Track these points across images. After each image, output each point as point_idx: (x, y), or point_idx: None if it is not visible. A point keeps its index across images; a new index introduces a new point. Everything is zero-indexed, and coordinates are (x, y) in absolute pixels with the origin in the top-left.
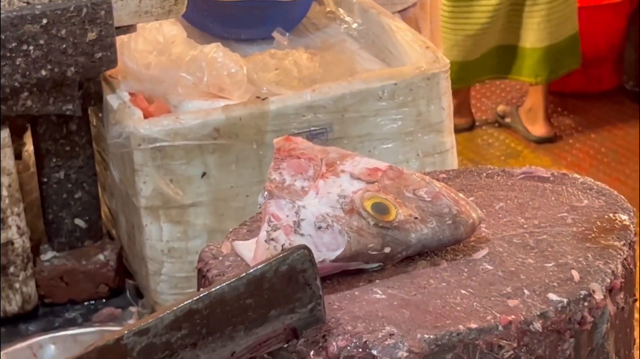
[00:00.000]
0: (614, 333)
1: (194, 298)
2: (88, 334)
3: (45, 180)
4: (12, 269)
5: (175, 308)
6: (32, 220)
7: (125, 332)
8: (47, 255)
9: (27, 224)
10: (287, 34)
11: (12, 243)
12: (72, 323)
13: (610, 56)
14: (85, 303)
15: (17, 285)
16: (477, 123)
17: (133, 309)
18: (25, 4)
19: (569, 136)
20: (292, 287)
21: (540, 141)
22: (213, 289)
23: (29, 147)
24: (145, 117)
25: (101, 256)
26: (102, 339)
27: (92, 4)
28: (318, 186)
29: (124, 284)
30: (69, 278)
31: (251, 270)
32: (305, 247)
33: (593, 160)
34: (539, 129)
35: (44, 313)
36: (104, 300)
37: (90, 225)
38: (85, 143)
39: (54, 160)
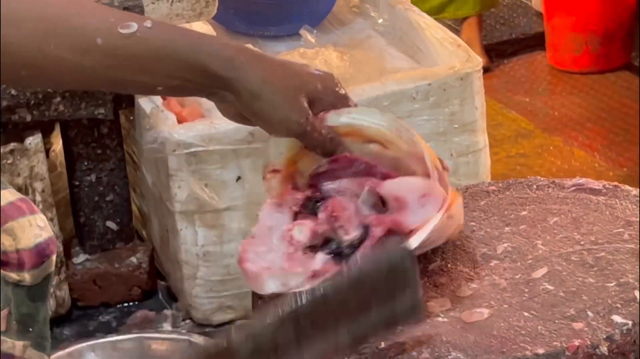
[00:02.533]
0: None
1: (298, 299)
2: (127, 341)
3: (77, 183)
4: None
5: (280, 310)
6: (60, 219)
7: (234, 335)
8: (80, 258)
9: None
10: (314, 31)
11: None
12: (106, 326)
13: (619, 34)
14: (119, 306)
15: (51, 289)
16: None
17: (167, 312)
18: None
19: (579, 116)
20: (393, 285)
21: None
22: (317, 288)
23: (56, 147)
24: (179, 121)
25: (133, 259)
26: (209, 345)
27: (124, 8)
28: None
29: (156, 286)
30: (102, 281)
31: (354, 269)
32: (406, 247)
33: (604, 139)
34: None
35: (77, 316)
36: (136, 303)
37: (122, 227)
38: (117, 146)
39: (85, 163)
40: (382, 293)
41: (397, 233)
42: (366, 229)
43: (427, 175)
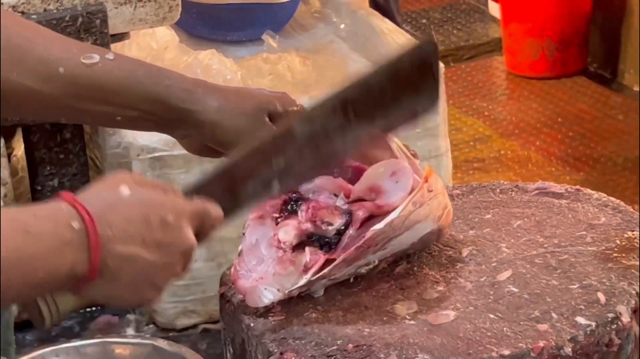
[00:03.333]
0: (638, 352)
1: (347, 87)
2: (91, 346)
3: (39, 188)
4: None
5: (332, 97)
6: None
7: (293, 121)
8: None
9: None
10: (277, 36)
11: None
12: (69, 332)
13: (575, 39)
14: (81, 311)
15: None
16: None
17: (131, 317)
18: (20, 14)
19: (536, 121)
20: (421, 76)
21: None
22: (361, 78)
23: (17, 152)
24: None
25: None
26: (274, 130)
27: (87, 13)
28: None
29: None
30: None
31: (391, 60)
32: (432, 40)
33: (561, 144)
34: None
35: None
36: (99, 307)
37: None
38: (79, 151)
39: (48, 168)
40: (411, 82)
41: (380, 214)
42: (350, 215)
43: (393, 156)
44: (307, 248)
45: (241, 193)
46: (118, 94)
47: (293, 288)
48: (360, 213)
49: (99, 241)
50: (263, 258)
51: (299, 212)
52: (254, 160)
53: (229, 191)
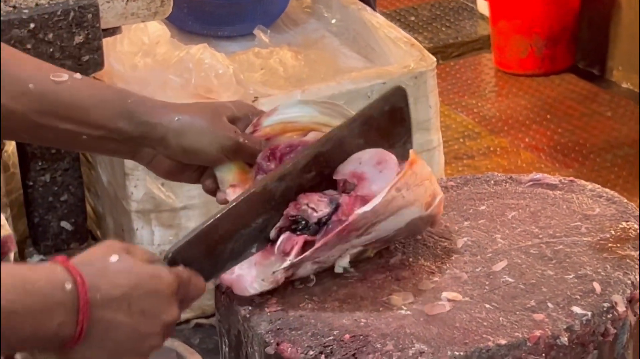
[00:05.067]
0: (633, 342)
1: (320, 143)
2: None
3: (31, 183)
4: None
5: (306, 154)
6: (13, 220)
7: (268, 180)
8: (34, 259)
9: None
10: (268, 31)
11: None
12: None
13: (564, 36)
14: None
15: None
16: None
17: None
18: (12, 9)
19: (525, 117)
20: (392, 124)
21: None
22: (334, 132)
23: (8, 148)
24: None
25: None
26: (248, 189)
27: (79, 7)
28: None
29: None
30: None
31: (362, 111)
32: (399, 86)
33: (550, 141)
34: None
35: None
36: None
37: (76, 227)
38: None
39: (40, 163)
40: (384, 132)
41: (365, 202)
42: (336, 205)
43: None
44: (282, 235)
45: (221, 256)
46: (84, 111)
47: (277, 270)
48: (346, 201)
49: (88, 304)
50: None
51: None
52: (231, 221)
53: (209, 255)
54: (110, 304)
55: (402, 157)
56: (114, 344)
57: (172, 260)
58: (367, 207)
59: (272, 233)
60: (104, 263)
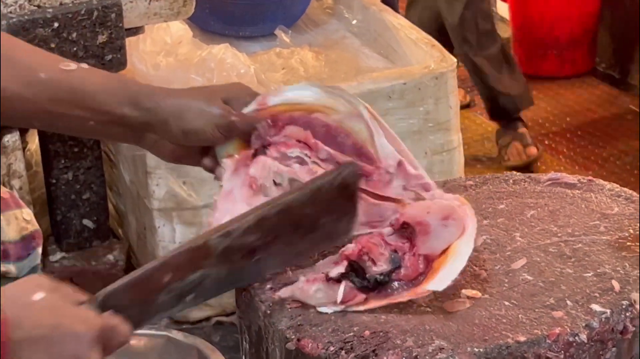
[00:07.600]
0: None
1: (267, 207)
2: None
3: (54, 181)
4: None
5: (252, 215)
6: (36, 218)
7: (212, 235)
8: (56, 256)
9: None
10: (289, 31)
11: None
12: None
13: (584, 39)
14: None
15: None
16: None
17: None
18: (36, 8)
19: (545, 120)
20: (341, 198)
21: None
22: (281, 199)
23: (31, 146)
24: None
25: (110, 257)
26: (189, 242)
27: (102, 7)
28: None
29: None
30: (78, 279)
31: (314, 183)
32: (354, 164)
33: (570, 143)
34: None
35: None
36: None
37: (99, 225)
38: (94, 144)
39: (62, 162)
40: (332, 205)
41: (427, 261)
42: (397, 259)
43: (368, 128)
44: (343, 283)
45: (152, 305)
46: (91, 98)
47: (329, 311)
48: (408, 259)
49: (8, 341)
50: (236, 199)
51: (267, 152)
52: (166, 272)
53: (140, 303)
54: (30, 345)
55: (346, 233)
56: None
57: (102, 304)
58: (436, 287)
59: (333, 273)
60: (28, 299)
